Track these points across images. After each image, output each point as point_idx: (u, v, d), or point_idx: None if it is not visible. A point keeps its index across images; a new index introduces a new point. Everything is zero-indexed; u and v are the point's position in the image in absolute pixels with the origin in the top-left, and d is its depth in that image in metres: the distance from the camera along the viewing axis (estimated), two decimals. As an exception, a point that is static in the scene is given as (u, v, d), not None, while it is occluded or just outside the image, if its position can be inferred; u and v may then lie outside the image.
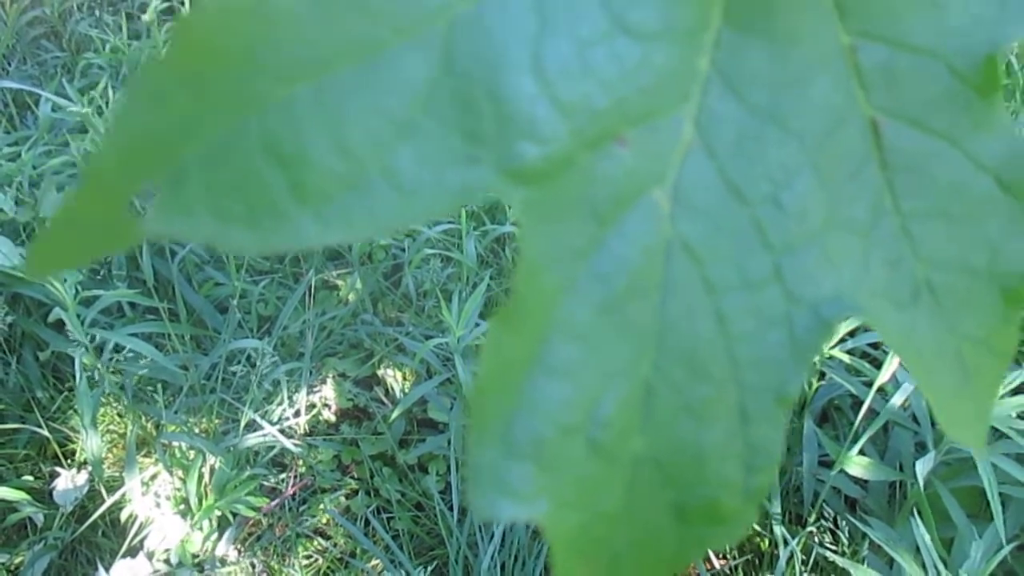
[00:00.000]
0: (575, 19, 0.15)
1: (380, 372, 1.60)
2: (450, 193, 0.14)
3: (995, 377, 0.16)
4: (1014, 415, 0.94)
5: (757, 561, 1.29)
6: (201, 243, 0.14)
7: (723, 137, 0.15)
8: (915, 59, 0.15)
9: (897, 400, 1.05)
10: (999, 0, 0.15)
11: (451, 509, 1.32)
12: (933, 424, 1.08)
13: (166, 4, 1.71)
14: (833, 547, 1.13)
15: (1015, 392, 0.95)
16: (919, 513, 0.96)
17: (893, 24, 0.15)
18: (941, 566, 0.87)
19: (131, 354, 1.41)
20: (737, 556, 1.30)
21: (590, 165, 0.15)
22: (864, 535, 1.08)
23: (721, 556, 1.30)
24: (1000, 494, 0.93)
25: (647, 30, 0.15)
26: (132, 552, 1.35)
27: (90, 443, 1.31)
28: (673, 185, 0.15)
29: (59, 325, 1.41)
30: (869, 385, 1.04)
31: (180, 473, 1.38)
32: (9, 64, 2.00)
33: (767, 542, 1.28)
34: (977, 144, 0.16)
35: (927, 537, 0.88)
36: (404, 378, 1.60)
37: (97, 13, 2.14)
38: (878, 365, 1.07)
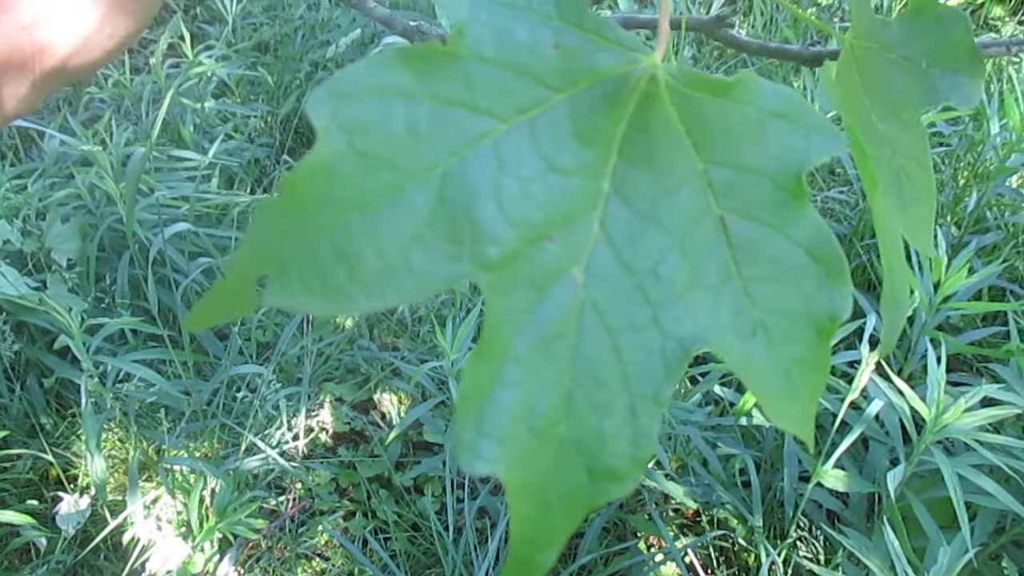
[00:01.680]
0: (521, 165, 0.23)
1: (376, 396, 1.64)
2: (444, 279, 0.22)
3: (816, 387, 0.23)
4: (981, 427, 0.99)
5: (744, 575, 1.34)
6: (299, 311, 0.22)
7: (619, 232, 0.23)
8: (748, 176, 0.23)
9: (868, 412, 1.10)
10: (805, 138, 0.23)
11: (447, 529, 1.36)
12: (905, 440, 1.14)
13: (167, 42, 1.77)
14: (811, 558, 1.18)
15: (983, 405, 1.01)
16: (891, 523, 1.01)
17: (732, 154, 0.23)
18: (911, 572, 0.92)
19: (135, 380, 1.45)
20: (725, 570, 1.34)
21: (531, 255, 0.22)
22: (842, 545, 1.13)
23: (708, 570, 1.34)
24: (970, 504, 0.98)
25: (567, 168, 0.23)
26: (134, 575, 1.38)
27: (94, 467, 1.35)
28: (586, 265, 0.23)
29: (63, 352, 1.44)
30: (844, 401, 1.10)
31: (182, 496, 1.41)
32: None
33: (752, 557, 1.32)
34: (794, 230, 0.23)
35: (897, 545, 0.93)
36: (400, 402, 1.64)
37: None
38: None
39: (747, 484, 1.29)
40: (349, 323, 1.68)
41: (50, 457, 1.43)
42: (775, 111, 0.23)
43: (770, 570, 1.15)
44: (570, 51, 0.23)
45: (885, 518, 1.04)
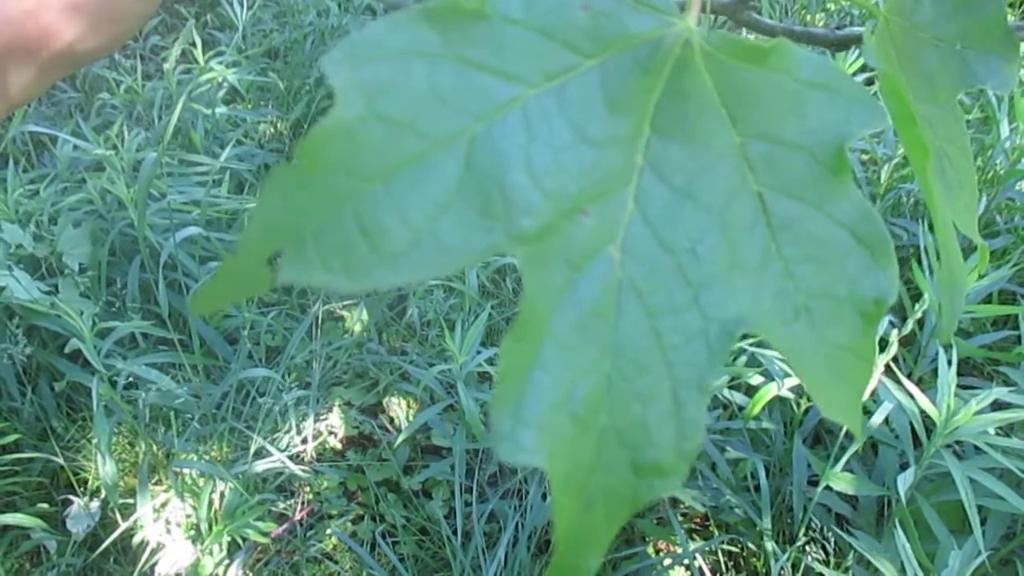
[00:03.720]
0: (551, 134, 0.22)
1: (385, 400, 1.65)
2: (475, 251, 0.21)
3: (862, 376, 0.22)
4: (991, 431, 0.99)
5: (753, 581, 1.33)
6: (317, 288, 0.20)
7: (654, 208, 0.22)
8: (787, 150, 0.22)
9: (876, 419, 1.10)
10: (845, 110, 0.22)
11: (455, 533, 1.36)
12: (915, 444, 1.13)
13: (180, 48, 1.78)
14: (822, 561, 1.17)
15: (992, 409, 1.00)
16: (903, 526, 1.01)
17: (769, 127, 0.22)
18: (921, 575, 0.91)
19: (145, 384, 1.45)
20: (734, 575, 1.34)
21: (566, 230, 0.21)
22: (851, 549, 1.12)
23: (717, 575, 1.34)
24: (980, 508, 0.97)
25: (599, 139, 0.22)
26: (143, 578, 1.38)
27: (104, 470, 1.35)
28: (622, 242, 0.22)
29: (75, 356, 1.45)
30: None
31: (191, 499, 1.42)
32: (27, 105, 2.07)
33: (761, 561, 1.32)
34: (835, 208, 0.22)
35: (908, 548, 0.93)
36: (408, 406, 1.64)
37: (111, 55, 2.22)
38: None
39: (756, 488, 1.28)
40: (358, 327, 1.68)
41: (61, 460, 1.44)
42: (813, 82, 0.22)
43: (779, 574, 1.15)
44: (600, 13, 0.22)
45: (896, 521, 1.04)
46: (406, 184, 0.20)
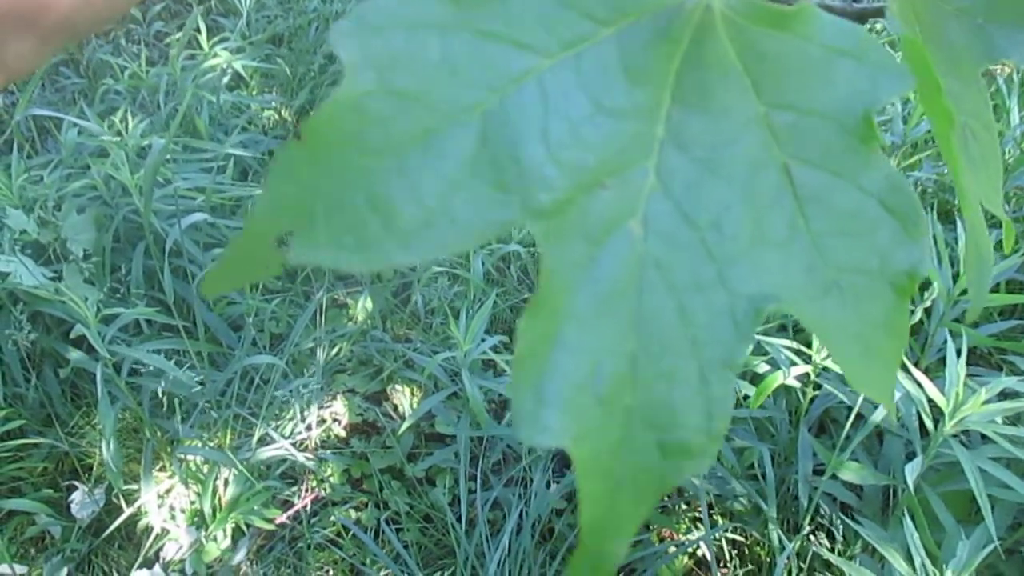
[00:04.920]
0: (568, 105, 0.21)
1: (389, 388, 1.65)
2: (491, 226, 0.20)
3: (894, 353, 0.22)
4: (999, 420, 0.98)
5: (758, 570, 1.33)
6: (328, 267, 0.20)
7: (676, 182, 0.21)
8: (813, 119, 0.21)
9: (881, 408, 1.09)
10: (871, 77, 0.21)
11: (459, 520, 1.36)
12: (922, 433, 1.12)
13: (187, 35, 1.78)
14: (828, 549, 1.17)
15: (1000, 398, 1.00)
16: (911, 515, 1.00)
17: (795, 96, 0.21)
18: (929, 564, 0.91)
19: (150, 370, 1.45)
20: (738, 563, 1.34)
21: (584, 204, 0.21)
22: (857, 537, 1.12)
23: (721, 563, 1.33)
24: (987, 497, 0.97)
25: (618, 110, 0.21)
26: (148, 564, 1.39)
27: (108, 456, 1.35)
28: (643, 216, 0.21)
29: (79, 342, 1.45)
30: (860, 394, 1.09)
31: (195, 486, 1.42)
32: (27, 81, 2.07)
33: (765, 550, 1.32)
34: (864, 178, 0.21)
35: (916, 536, 0.92)
36: (412, 393, 1.64)
37: (115, 40, 2.21)
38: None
39: (762, 476, 1.28)
40: (362, 315, 1.68)
41: (65, 446, 1.44)
42: (838, 47, 0.21)
43: (785, 566, 1.15)
44: None
45: (905, 510, 1.03)
46: (418, 159, 0.20)
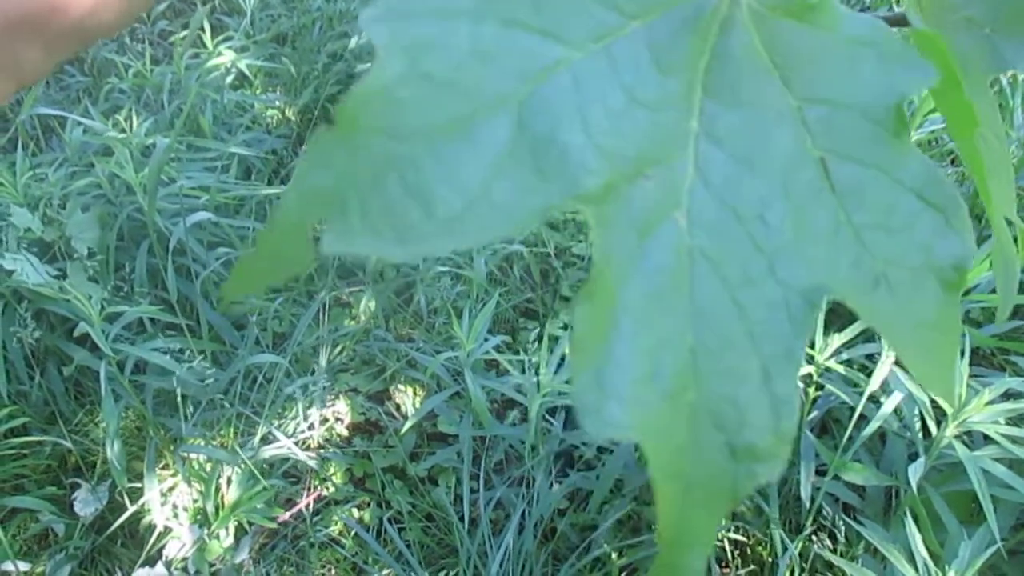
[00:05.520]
0: (603, 95, 0.21)
1: (391, 387, 1.65)
2: (535, 211, 0.20)
3: (948, 354, 0.21)
4: (1002, 421, 0.98)
5: (760, 570, 1.33)
6: (365, 255, 0.19)
7: (715, 175, 0.21)
8: (843, 112, 0.21)
9: (887, 407, 1.09)
10: (895, 69, 0.21)
11: (461, 520, 1.36)
12: (924, 433, 1.13)
13: (193, 34, 1.78)
14: (830, 550, 1.17)
15: (1003, 398, 1.00)
16: (914, 516, 1.00)
17: (824, 89, 0.21)
18: (932, 564, 0.91)
19: (153, 368, 1.46)
20: (740, 564, 1.34)
21: (629, 193, 0.20)
22: (859, 538, 1.12)
23: (723, 564, 1.33)
24: (990, 497, 0.97)
25: (651, 102, 0.21)
26: (150, 562, 1.39)
27: (112, 454, 1.36)
28: (687, 208, 0.21)
29: (83, 340, 1.46)
30: (863, 395, 1.09)
31: (198, 484, 1.42)
32: (35, 85, 2.07)
33: (767, 551, 1.32)
34: (900, 171, 0.21)
35: (918, 537, 0.92)
36: (415, 393, 1.64)
37: (120, 39, 2.22)
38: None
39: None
40: (365, 314, 1.68)
41: (69, 444, 1.45)
42: (862, 39, 0.21)
43: (787, 566, 1.15)
44: None
45: (908, 511, 1.03)
46: (454, 146, 0.19)
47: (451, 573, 1.34)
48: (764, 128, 0.21)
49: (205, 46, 1.86)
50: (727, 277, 0.20)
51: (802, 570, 1.22)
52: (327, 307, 1.64)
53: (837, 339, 1.11)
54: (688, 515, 0.20)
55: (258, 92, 2.09)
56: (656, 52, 0.21)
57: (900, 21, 0.25)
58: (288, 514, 1.46)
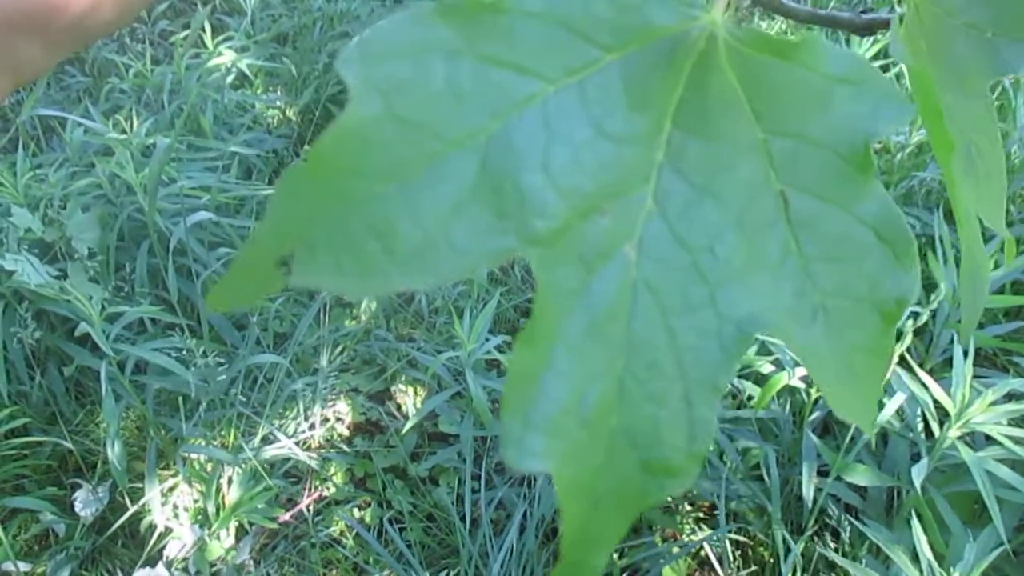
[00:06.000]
0: (570, 130, 0.21)
1: (392, 387, 1.65)
2: (488, 254, 0.20)
3: (878, 374, 0.22)
4: (1004, 421, 0.98)
5: (762, 571, 1.33)
6: (329, 291, 0.20)
7: (674, 206, 0.21)
8: (811, 148, 0.21)
9: (889, 408, 1.09)
10: (872, 106, 0.21)
11: (462, 520, 1.36)
12: (927, 434, 1.12)
13: (194, 34, 1.78)
14: (834, 549, 1.16)
15: (1006, 399, 0.99)
16: (919, 517, 1.00)
17: (794, 124, 0.21)
18: (936, 565, 0.91)
19: (154, 368, 1.45)
20: (741, 564, 1.34)
21: (581, 230, 0.21)
22: (862, 539, 1.12)
23: (724, 564, 1.33)
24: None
25: (619, 135, 0.21)
26: (151, 562, 1.39)
27: (112, 455, 1.35)
28: (639, 240, 0.21)
29: (83, 340, 1.45)
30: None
31: (199, 485, 1.42)
32: (34, 84, 2.07)
33: (768, 551, 1.31)
34: (859, 207, 0.21)
35: (923, 538, 0.92)
36: (416, 393, 1.64)
37: (120, 39, 2.22)
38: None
39: (765, 478, 1.28)
40: (366, 314, 1.68)
41: (69, 444, 1.44)
42: (841, 76, 0.21)
43: (791, 569, 1.14)
44: (623, 6, 0.22)
45: (913, 511, 1.03)
46: (421, 185, 0.20)
47: (452, 573, 1.34)
48: (729, 159, 0.22)
49: (206, 46, 1.86)
50: (666, 305, 0.21)
51: (804, 571, 1.22)
52: (328, 307, 1.64)
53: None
54: (595, 523, 0.21)
55: (259, 92, 2.09)
56: (630, 85, 0.22)
57: (880, 24, 0.25)
58: (289, 514, 1.46)
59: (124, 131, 1.53)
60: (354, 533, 1.43)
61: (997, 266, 1.25)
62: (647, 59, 0.22)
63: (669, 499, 1.41)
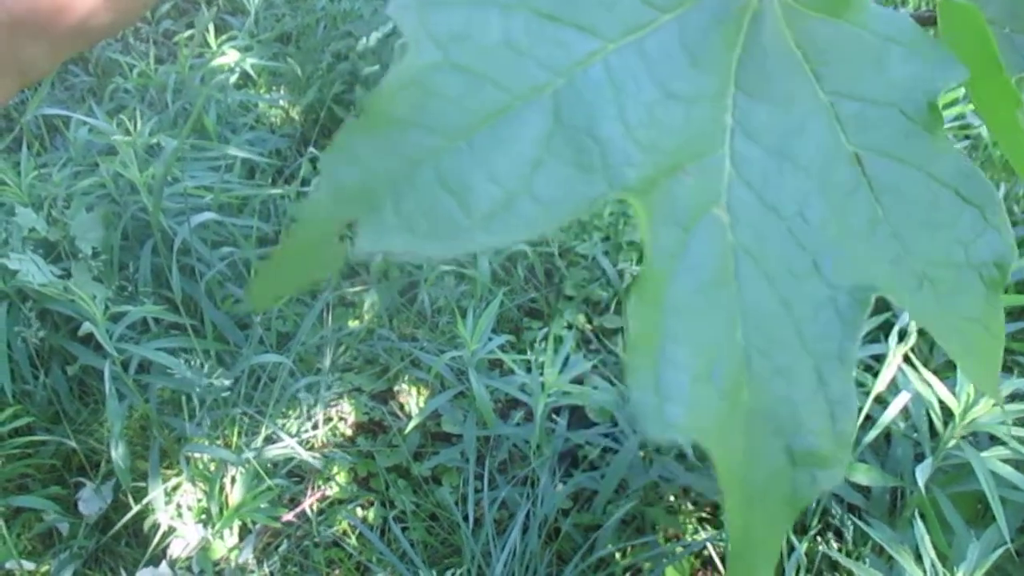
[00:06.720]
0: (637, 90, 0.20)
1: (395, 386, 1.65)
2: (579, 203, 0.19)
3: (993, 353, 0.21)
4: (1009, 421, 0.98)
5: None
6: (399, 256, 0.18)
7: (752, 171, 0.21)
8: (875, 108, 0.21)
9: (893, 408, 1.09)
10: (925, 65, 0.20)
11: (465, 520, 1.36)
12: (931, 434, 1.12)
13: (198, 33, 1.78)
14: (838, 549, 1.16)
15: (1010, 399, 0.99)
16: (922, 516, 1.00)
17: (854, 84, 0.21)
18: (939, 565, 0.91)
19: (157, 368, 1.46)
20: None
21: (669, 187, 0.20)
22: (865, 539, 1.12)
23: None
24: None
25: (685, 96, 0.21)
26: (155, 561, 1.39)
27: (116, 454, 1.36)
28: (727, 204, 0.20)
29: (87, 340, 1.46)
30: (869, 395, 1.08)
31: (202, 484, 1.42)
32: (39, 84, 2.07)
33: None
34: (936, 167, 0.20)
35: (926, 538, 0.92)
36: (419, 392, 1.64)
37: (124, 39, 2.22)
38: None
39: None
40: (369, 314, 1.68)
41: (73, 443, 1.45)
42: (891, 36, 0.21)
43: (795, 569, 1.14)
44: None
45: (916, 511, 1.03)
46: (490, 139, 0.19)
47: (455, 573, 1.34)
48: (797, 122, 0.21)
49: (209, 46, 1.86)
50: (771, 274, 0.20)
51: (808, 570, 1.22)
52: (331, 307, 1.64)
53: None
54: (752, 525, 0.19)
55: (262, 92, 2.09)
56: (688, 45, 0.21)
57: (929, 20, 0.24)
58: (292, 514, 1.46)
59: (128, 131, 1.53)
60: (357, 532, 1.43)
61: None
62: (702, 18, 0.21)
63: (672, 499, 1.41)
